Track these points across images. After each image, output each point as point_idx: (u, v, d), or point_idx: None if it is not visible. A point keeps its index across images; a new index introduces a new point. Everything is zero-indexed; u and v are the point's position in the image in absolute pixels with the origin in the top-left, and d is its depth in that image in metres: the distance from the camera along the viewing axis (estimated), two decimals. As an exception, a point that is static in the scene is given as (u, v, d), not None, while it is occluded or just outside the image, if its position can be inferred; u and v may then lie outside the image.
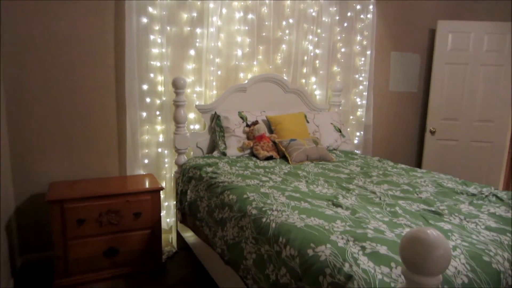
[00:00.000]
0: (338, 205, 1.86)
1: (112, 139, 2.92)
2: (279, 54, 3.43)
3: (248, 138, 2.99)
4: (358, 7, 3.68)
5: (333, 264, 1.28)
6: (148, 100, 2.93)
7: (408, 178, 2.48)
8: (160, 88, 2.97)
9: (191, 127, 3.14)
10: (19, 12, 2.51)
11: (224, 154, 2.90)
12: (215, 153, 2.94)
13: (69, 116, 2.76)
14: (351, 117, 3.88)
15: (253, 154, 2.96)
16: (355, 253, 1.32)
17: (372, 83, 3.87)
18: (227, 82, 3.23)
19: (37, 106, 2.66)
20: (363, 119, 3.89)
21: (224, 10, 3.11)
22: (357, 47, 3.77)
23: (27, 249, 2.71)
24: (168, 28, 2.94)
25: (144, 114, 2.93)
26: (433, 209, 1.89)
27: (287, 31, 3.40)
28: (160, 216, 2.65)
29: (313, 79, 3.62)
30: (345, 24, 3.66)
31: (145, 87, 2.90)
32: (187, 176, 2.66)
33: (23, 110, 2.62)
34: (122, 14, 2.76)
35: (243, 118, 3.05)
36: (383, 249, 1.35)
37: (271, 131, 3.09)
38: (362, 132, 3.90)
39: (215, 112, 3.06)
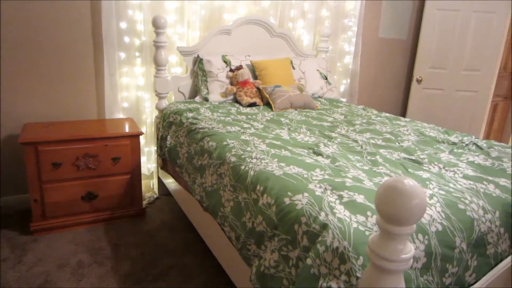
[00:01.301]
0: (318, 154, 1.84)
1: (90, 80, 2.78)
2: (265, -5, 3.24)
3: (231, 84, 2.89)
4: None
5: (309, 213, 1.27)
6: (126, 39, 2.76)
7: (391, 127, 2.47)
8: (140, 27, 2.79)
9: (173, 70, 3.01)
10: None
11: (206, 99, 2.82)
12: (197, 98, 2.85)
13: (44, 53, 2.59)
14: (338, 64, 3.78)
15: (236, 100, 2.88)
16: (332, 202, 1.31)
17: (361, 29, 3.72)
18: (210, 23, 3.05)
19: (9, 41, 2.47)
20: (350, 66, 3.79)
21: None
22: (349, -11, 3.57)
23: (5, 192, 2.67)
24: (146, -40, 2.71)
25: (123, 54, 2.78)
26: (413, 157, 1.88)
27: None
28: (139, 162, 2.60)
29: (300, 23, 3.45)
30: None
31: (123, 25, 2.72)
32: (167, 122, 2.58)
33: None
34: None
35: (227, 62, 2.93)
36: (360, 198, 1.34)
37: (255, 76, 2.99)
38: (348, 80, 3.82)
39: (198, 55, 2.92)
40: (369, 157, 1.84)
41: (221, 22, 3.08)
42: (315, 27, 3.49)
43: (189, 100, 2.87)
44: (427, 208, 1.33)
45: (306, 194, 1.36)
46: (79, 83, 2.75)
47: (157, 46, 2.73)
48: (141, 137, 2.94)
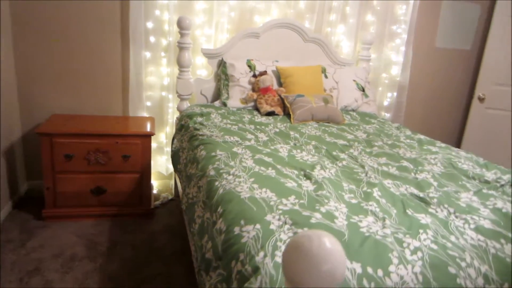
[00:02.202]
0: (308, 177, 1.65)
1: (116, 77, 2.85)
2: (302, -3, 3.05)
3: (253, 90, 2.76)
4: None
5: (249, 250, 1.12)
6: (152, 39, 2.78)
7: (418, 153, 2.16)
8: (167, 28, 2.79)
9: (198, 72, 2.97)
10: None
11: (224, 104, 2.73)
12: (217, 103, 2.77)
13: (75, 49, 2.71)
14: (384, 75, 3.45)
15: (256, 108, 2.75)
16: (281, 240, 1.14)
17: (412, 37, 3.35)
18: (240, 26, 2.95)
19: (43, 38, 2.62)
20: (398, 78, 3.44)
21: None
22: (399, -8, 3.24)
23: (32, 176, 2.85)
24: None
25: (148, 54, 2.80)
26: (421, 195, 1.61)
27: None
28: (150, 162, 2.60)
29: (341, 28, 3.20)
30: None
31: (150, 25, 2.74)
32: (180, 124, 2.54)
33: (30, 41, 2.61)
34: None
35: (251, 67, 2.81)
36: (316, 240, 1.14)
37: (281, 84, 2.83)
38: (395, 94, 3.48)
39: (222, 58, 2.84)
40: (365, 188, 1.61)
41: (252, 25, 2.96)
42: (356, 33, 3.22)
43: (208, 104, 2.80)
44: (403, 267, 1.08)
45: (257, 226, 1.21)
46: (106, 79, 2.83)
47: (181, 47, 2.71)
48: (163, 136, 2.98)
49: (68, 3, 2.60)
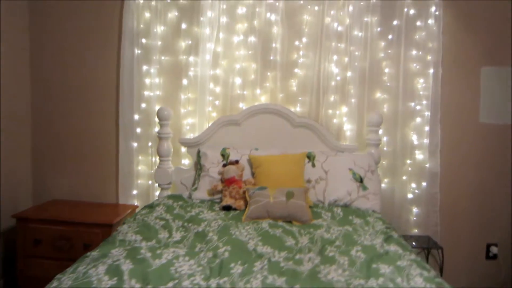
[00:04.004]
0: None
1: (111, 166, 3.03)
2: (293, 80, 2.84)
3: (221, 181, 2.57)
4: (412, 12, 2.68)
5: None
6: (138, 130, 2.91)
7: (353, 274, 1.58)
8: (153, 119, 2.91)
9: (183, 161, 2.94)
10: (46, 58, 2.99)
11: (190, 196, 2.59)
12: (185, 194, 2.65)
13: (75, 138, 3.03)
14: (409, 161, 2.82)
15: (224, 200, 2.51)
16: None
17: (439, 114, 2.72)
18: (226, 113, 2.88)
19: (55, 129, 3.03)
20: (427, 165, 2.77)
21: (221, 35, 2.80)
22: (414, 65, 2.74)
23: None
24: (163, 57, 2.87)
25: (135, 144, 2.93)
26: None
27: (301, 53, 2.78)
28: (110, 252, 2.57)
29: (344, 109, 2.82)
30: (390, 37, 2.71)
31: (136, 117, 2.90)
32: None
33: (45, 132, 3.04)
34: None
35: (225, 156, 2.65)
36: None
37: (253, 174, 2.57)
38: (423, 183, 2.78)
39: (199, 148, 2.77)
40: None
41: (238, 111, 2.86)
42: (357, 113, 2.78)
43: (178, 194, 2.67)
44: None
45: None
46: (103, 168, 3.03)
47: (160, 137, 2.76)
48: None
49: (77, 99, 2.99)
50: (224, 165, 2.58)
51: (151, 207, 2.38)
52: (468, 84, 2.80)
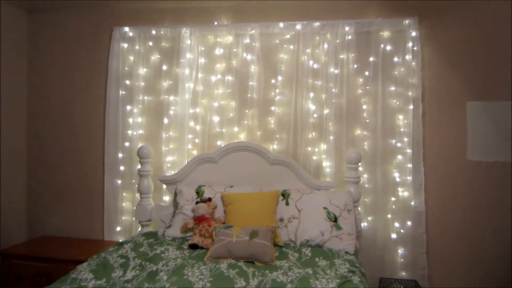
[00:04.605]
0: None
1: (99, 203, 3.12)
2: (271, 118, 2.85)
3: (193, 218, 2.56)
4: (388, 47, 2.65)
5: None
6: (122, 168, 3.01)
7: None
8: (135, 157, 2.99)
9: (164, 198, 2.98)
10: (42, 98, 3.22)
11: (163, 233, 2.60)
12: (160, 231, 2.66)
13: (70, 177, 3.17)
14: (393, 198, 2.69)
15: (197, 238, 2.50)
16: None
17: (422, 152, 2.61)
18: (204, 151, 2.92)
19: (48, 165, 3.21)
20: (412, 203, 2.64)
21: (200, 75, 2.89)
22: (395, 101, 2.68)
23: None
24: (146, 97, 2.99)
25: (119, 181, 3.01)
26: None
27: (277, 91, 2.80)
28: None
29: (323, 146, 2.77)
30: (367, 73, 2.68)
31: (120, 155, 3.00)
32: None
33: (39, 170, 3.22)
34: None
35: (199, 193, 2.66)
36: None
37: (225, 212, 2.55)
38: (410, 223, 2.64)
39: (176, 186, 2.80)
40: None
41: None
42: (343, 150, 2.72)
43: (153, 232, 2.69)
44: None
45: None
46: (91, 204, 3.14)
47: (140, 174, 2.83)
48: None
49: (65, 136, 3.17)
50: (197, 203, 2.59)
51: (121, 244, 2.40)
52: (454, 120, 2.67)
